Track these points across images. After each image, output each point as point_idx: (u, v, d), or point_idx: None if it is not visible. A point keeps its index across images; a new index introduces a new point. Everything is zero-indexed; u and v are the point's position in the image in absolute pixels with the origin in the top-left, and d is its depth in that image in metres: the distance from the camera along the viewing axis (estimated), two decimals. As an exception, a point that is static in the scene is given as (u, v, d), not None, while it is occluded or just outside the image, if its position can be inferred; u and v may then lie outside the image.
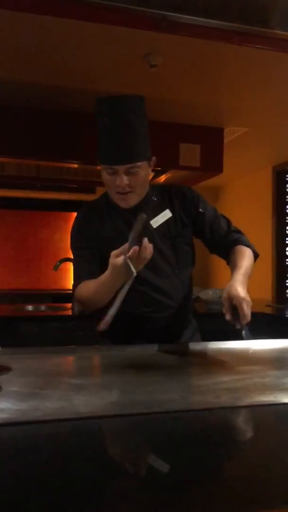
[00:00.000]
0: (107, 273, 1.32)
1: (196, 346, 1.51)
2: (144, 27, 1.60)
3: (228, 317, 1.37)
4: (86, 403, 0.88)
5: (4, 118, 3.18)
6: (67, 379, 1.06)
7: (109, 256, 1.31)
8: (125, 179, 1.44)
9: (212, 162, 3.67)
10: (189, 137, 3.59)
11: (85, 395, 0.93)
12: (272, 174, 4.92)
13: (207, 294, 3.10)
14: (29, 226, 5.86)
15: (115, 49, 2.43)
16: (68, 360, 1.35)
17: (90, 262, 1.51)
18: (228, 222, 1.65)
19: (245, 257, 1.59)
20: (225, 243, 1.62)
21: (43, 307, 3.27)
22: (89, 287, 1.45)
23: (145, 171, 1.49)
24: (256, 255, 1.64)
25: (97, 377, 1.13)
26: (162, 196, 1.58)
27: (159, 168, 3.81)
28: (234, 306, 1.38)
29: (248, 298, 1.41)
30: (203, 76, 2.78)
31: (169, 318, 1.54)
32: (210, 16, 1.50)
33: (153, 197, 1.56)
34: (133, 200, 1.50)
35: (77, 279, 1.52)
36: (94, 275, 1.43)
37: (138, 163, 1.45)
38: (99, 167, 1.54)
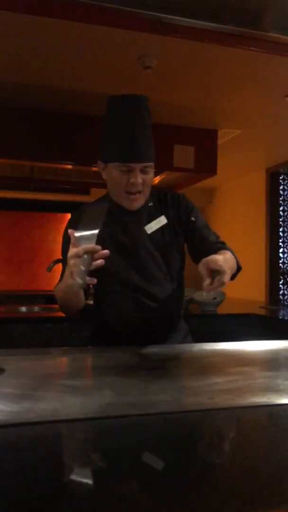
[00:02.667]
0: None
1: (190, 347, 1.51)
2: (138, 29, 1.60)
3: (208, 282, 1.25)
4: (79, 404, 0.88)
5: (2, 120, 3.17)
6: (61, 381, 1.05)
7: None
8: (139, 178, 1.44)
9: (206, 164, 3.68)
10: (183, 138, 3.60)
11: (79, 397, 0.93)
12: (265, 176, 4.95)
13: (201, 296, 3.10)
14: (22, 227, 5.84)
15: (109, 50, 2.43)
16: (62, 362, 1.35)
17: None
18: (217, 236, 1.63)
19: (228, 254, 1.51)
20: (211, 253, 1.59)
21: (36, 308, 3.25)
22: (58, 290, 1.44)
23: (153, 173, 1.51)
24: (239, 268, 1.57)
25: (91, 379, 1.13)
26: (159, 202, 1.57)
27: (153, 170, 3.81)
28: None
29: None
30: (197, 78, 2.79)
31: (160, 323, 1.53)
32: (204, 18, 1.51)
33: (149, 203, 1.55)
34: (140, 201, 1.50)
35: (59, 280, 1.51)
36: None
37: (151, 163, 1.47)
38: (94, 168, 1.53)
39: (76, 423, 0.80)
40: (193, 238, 1.57)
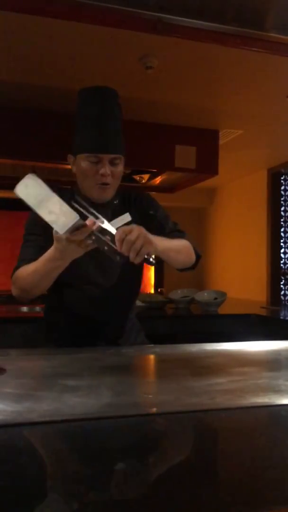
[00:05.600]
0: (50, 251, 1.29)
1: (191, 347, 1.51)
2: (139, 29, 1.60)
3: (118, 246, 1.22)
4: (81, 404, 0.88)
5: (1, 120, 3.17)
6: (62, 381, 1.05)
7: None
8: (108, 169, 1.44)
9: (208, 164, 3.68)
10: (185, 139, 3.59)
11: (80, 397, 0.93)
12: (267, 176, 4.94)
13: (203, 296, 3.10)
14: (23, 227, 5.84)
15: (110, 50, 2.43)
16: (62, 362, 1.35)
17: (37, 249, 1.46)
18: (176, 224, 1.63)
19: (176, 240, 1.50)
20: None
21: (37, 308, 3.26)
22: (28, 269, 1.41)
23: (122, 166, 1.51)
24: (198, 256, 1.56)
25: (92, 379, 1.13)
26: (123, 201, 1.59)
27: (155, 170, 3.81)
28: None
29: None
30: (199, 78, 2.79)
31: (113, 318, 1.54)
32: (205, 18, 1.51)
33: (115, 200, 1.56)
34: (110, 194, 1.50)
35: (19, 262, 1.48)
36: None
37: (120, 156, 1.47)
38: (68, 166, 1.54)
39: (77, 423, 0.80)
40: (149, 229, 1.58)
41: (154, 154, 3.53)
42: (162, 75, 2.70)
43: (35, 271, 1.37)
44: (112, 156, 1.45)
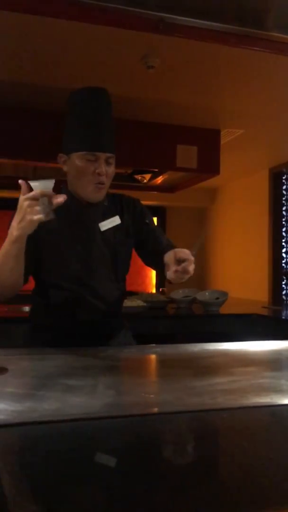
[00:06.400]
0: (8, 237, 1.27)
1: (193, 347, 1.51)
2: (141, 28, 1.60)
3: (174, 269, 1.28)
4: (82, 404, 0.88)
5: (1, 119, 3.17)
6: (63, 380, 1.06)
7: (41, 249, 1.39)
8: (104, 168, 1.45)
9: (209, 164, 3.68)
10: (186, 138, 3.59)
11: (81, 397, 0.93)
12: (268, 176, 4.94)
13: (204, 296, 3.10)
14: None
15: (112, 50, 2.43)
16: (64, 361, 1.35)
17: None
18: (169, 239, 1.65)
19: None
20: (165, 253, 1.59)
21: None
22: None
23: (114, 166, 1.51)
24: None
25: (93, 378, 1.13)
26: (114, 202, 1.59)
27: (156, 170, 3.81)
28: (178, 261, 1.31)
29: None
30: (200, 78, 2.79)
31: (100, 319, 1.54)
32: (207, 18, 1.51)
33: (105, 202, 1.56)
34: (103, 194, 1.51)
35: None
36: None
37: (114, 155, 1.48)
38: (61, 166, 1.54)
39: (79, 423, 0.80)
40: (147, 239, 1.61)
41: (155, 154, 3.53)
42: (164, 75, 2.70)
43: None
44: (108, 155, 1.46)
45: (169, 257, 1.33)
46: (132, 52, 2.45)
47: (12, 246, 1.27)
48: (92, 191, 1.48)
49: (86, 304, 1.49)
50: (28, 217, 1.19)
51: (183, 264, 1.27)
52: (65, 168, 1.53)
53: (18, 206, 1.22)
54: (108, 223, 1.54)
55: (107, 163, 1.47)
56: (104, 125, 1.47)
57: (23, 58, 2.53)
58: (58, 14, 1.58)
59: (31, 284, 1.59)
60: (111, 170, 1.49)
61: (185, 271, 1.27)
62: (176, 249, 1.33)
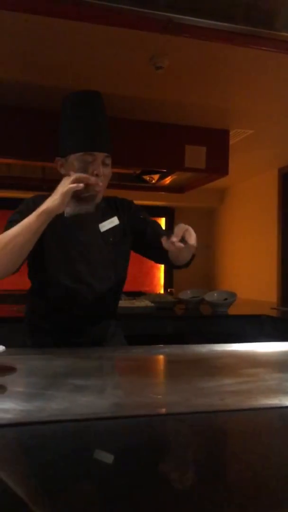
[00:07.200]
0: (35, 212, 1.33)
1: (201, 348, 1.51)
2: (149, 29, 1.61)
3: (175, 239, 1.25)
4: (90, 404, 0.88)
5: (9, 120, 3.19)
6: (71, 380, 1.06)
7: (43, 248, 1.41)
8: (101, 168, 1.46)
9: (218, 164, 3.67)
10: (195, 139, 3.59)
11: (89, 396, 0.93)
12: (278, 176, 4.91)
13: (212, 296, 3.09)
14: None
15: (121, 51, 2.44)
16: (72, 361, 1.36)
17: None
18: (167, 230, 1.63)
19: None
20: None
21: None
22: (5, 234, 1.35)
23: (110, 168, 1.52)
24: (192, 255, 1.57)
25: (101, 379, 1.13)
26: (109, 204, 1.61)
27: (165, 170, 3.81)
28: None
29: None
30: (209, 78, 2.78)
31: (97, 318, 1.55)
32: (215, 18, 1.50)
33: (102, 203, 1.57)
34: (101, 195, 1.52)
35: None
36: None
37: (110, 156, 1.49)
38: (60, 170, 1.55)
39: (87, 423, 0.80)
40: (146, 231, 1.60)
41: (164, 154, 3.53)
42: (172, 75, 2.70)
43: (15, 236, 1.33)
44: (105, 155, 1.47)
45: (176, 230, 1.28)
46: (141, 53, 2.45)
47: (36, 218, 1.33)
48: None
49: (85, 301, 1.51)
50: (60, 188, 1.31)
51: (185, 236, 1.25)
52: (62, 171, 1.55)
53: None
54: (108, 224, 1.55)
55: (104, 164, 1.48)
56: (99, 125, 1.49)
57: (31, 59, 2.55)
58: (66, 15, 1.58)
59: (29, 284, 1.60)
60: (108, 171, 1.50)
61: (185, 241, 1.24)
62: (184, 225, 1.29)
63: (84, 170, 1.45)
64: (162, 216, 6.10)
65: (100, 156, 1.46)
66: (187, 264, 1.55)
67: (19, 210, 1.52)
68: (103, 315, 1.57)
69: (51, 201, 1.34)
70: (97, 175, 1.45)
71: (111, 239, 1.55)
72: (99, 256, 1.52)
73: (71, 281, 1.49)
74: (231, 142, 3.75)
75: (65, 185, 1.34)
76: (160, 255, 1.56)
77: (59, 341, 1.49)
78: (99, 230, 1.54)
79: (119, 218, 1.58)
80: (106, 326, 1.60)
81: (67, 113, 1.53)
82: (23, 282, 1.71)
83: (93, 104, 1.51)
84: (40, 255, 1.47)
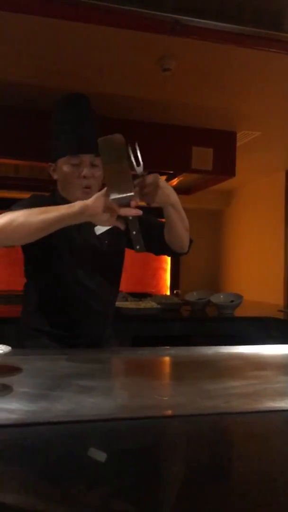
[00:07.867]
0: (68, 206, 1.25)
1: (207, 350, 1.50)
2: (157, 31, 1.61)
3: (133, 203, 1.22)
4: (95, 405, 0.88)
5: (17, 121, 3.20)
6: (77, 381, 1.06)
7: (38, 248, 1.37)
8: (89, 171, 1.46)
9: (225, 166, 3.66)
10: (202, 140, 3.58)
11: (95, 398, 0.93)
12: (285, 178, 4.89)
13: (219, 298, 3.08)
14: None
15: (128, 53, 2.44)
16: (78, 362, 1.36)
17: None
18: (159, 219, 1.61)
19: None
20: (159, 233, 1.55)
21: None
22: (19, 213, 1.29)
23: (101, 169, 1.50)
24: (190, 240, 1.58)
25: (107, 380, 1.13)
26: None
27: (171, 172, 3.80)
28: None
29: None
30: (216, 80, 2.78)
31: (92, 320, 1.54)
32: (223, 19, 1.50)
33: None
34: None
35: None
36: None
37: (99, 158, 1.47)
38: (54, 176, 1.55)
39: (92, 424, 0.80)
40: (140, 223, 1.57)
41: (170, 156, 3.52)
42: (180, 77, 2.70)
43: (32, 215, 1.27)
44: (92, 157, 1.47)
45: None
46: (148, 55, 2.45)
47: (64, 210, 1.24)
48: (80, 196, 1.46)
49: (81, 303, 1.51)
50: (96, 211, 1.20)
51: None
52: (55, 176, 1.56)
53: (100, 200, 1.19)
54: (102, 227, 1.55)
55: (92, 165, 1.48)
56: (84, 127, 1.49)
57: (39, 61, 2.56)
58: (73, 17, 1.59)
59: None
60: (98, 172, 1.49)
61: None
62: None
63: (71, 173, 1.47)
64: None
65: (86, 158, 1.47)
66: (184, 248, 1.54)
67: (22, 204, 1.47)
68: (101, 317, 1.57)
69: (85, 209, 1.22)
70: (84, 177, 1.46)
71: (107, 243, 1.57)
72: (96, 261, 1.53)
73: (68, 285, 1.50)
74: (238, 143, 3.74)
75: (102, 216, 1.21)
76: (160, 247, 1.56)
77: (57, 343, 1.49)
78: (94, 234, 1.52)
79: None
80: (104, 328, 1.60)
81: (53, 119, 1.55)
82: (14, 283, 1.71)
83: (77, 106, 1.52)
84: (47, 255, 1.47)
